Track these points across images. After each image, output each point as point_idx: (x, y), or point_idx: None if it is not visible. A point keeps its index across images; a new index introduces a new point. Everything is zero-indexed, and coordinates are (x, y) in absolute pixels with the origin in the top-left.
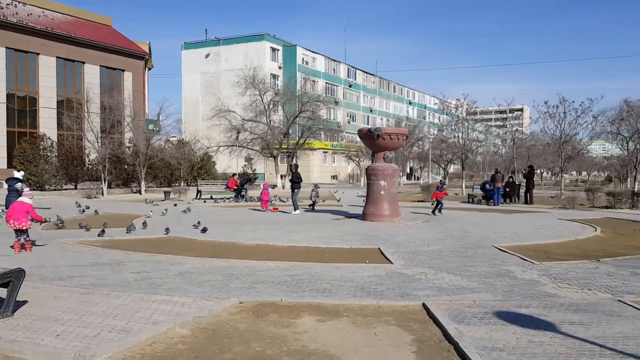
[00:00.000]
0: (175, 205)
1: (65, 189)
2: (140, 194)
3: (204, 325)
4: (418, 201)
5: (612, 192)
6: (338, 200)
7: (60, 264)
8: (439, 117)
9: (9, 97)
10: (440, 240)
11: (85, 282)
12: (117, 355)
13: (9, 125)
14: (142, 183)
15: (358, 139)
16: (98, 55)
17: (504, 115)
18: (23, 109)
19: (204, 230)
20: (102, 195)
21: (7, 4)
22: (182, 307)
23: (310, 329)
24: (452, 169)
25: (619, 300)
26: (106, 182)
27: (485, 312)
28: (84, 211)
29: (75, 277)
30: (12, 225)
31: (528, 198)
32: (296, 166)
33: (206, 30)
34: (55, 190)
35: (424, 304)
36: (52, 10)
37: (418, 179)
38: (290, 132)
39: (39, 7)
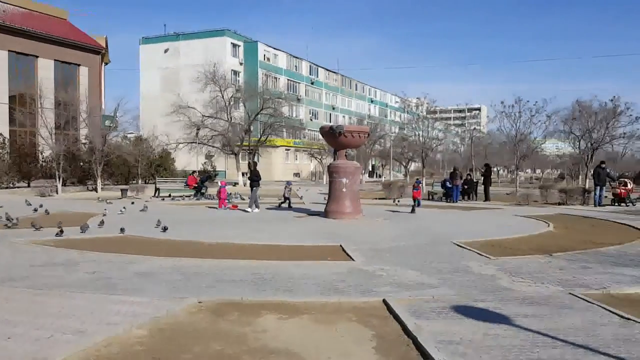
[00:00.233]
0: (132, 203)
1: (18, 187)
2: (97, 191)
3: (162, 325)
4: (380, 199)
5: (564, 189)
6: (300, 198)
7: (12, 265)
8: (400, 116)
9: None
10: (401, 237)
11: (39, 282)
12: (71, 357)
13: None
14: (99, 181)
15: (320, 136)
16: (52, 49)
17: (463, 115)
18: None
19: (165, 229)
20: (57, 193)
21: None
22: (140, 307)
23: (271, 327)
24: (412, 166)
25: (570, 294)
26: (61, 180)
27: (443, 306)
28: (36, 210)
29: (28, 278)
30: None
31: (485, 195)
32: (255, 164)
33: (165, 25)
34: (7, 188)
35: (384, 300)
36: (5, 2)
37: (380, 176)
38: (251, 129)
39: None
